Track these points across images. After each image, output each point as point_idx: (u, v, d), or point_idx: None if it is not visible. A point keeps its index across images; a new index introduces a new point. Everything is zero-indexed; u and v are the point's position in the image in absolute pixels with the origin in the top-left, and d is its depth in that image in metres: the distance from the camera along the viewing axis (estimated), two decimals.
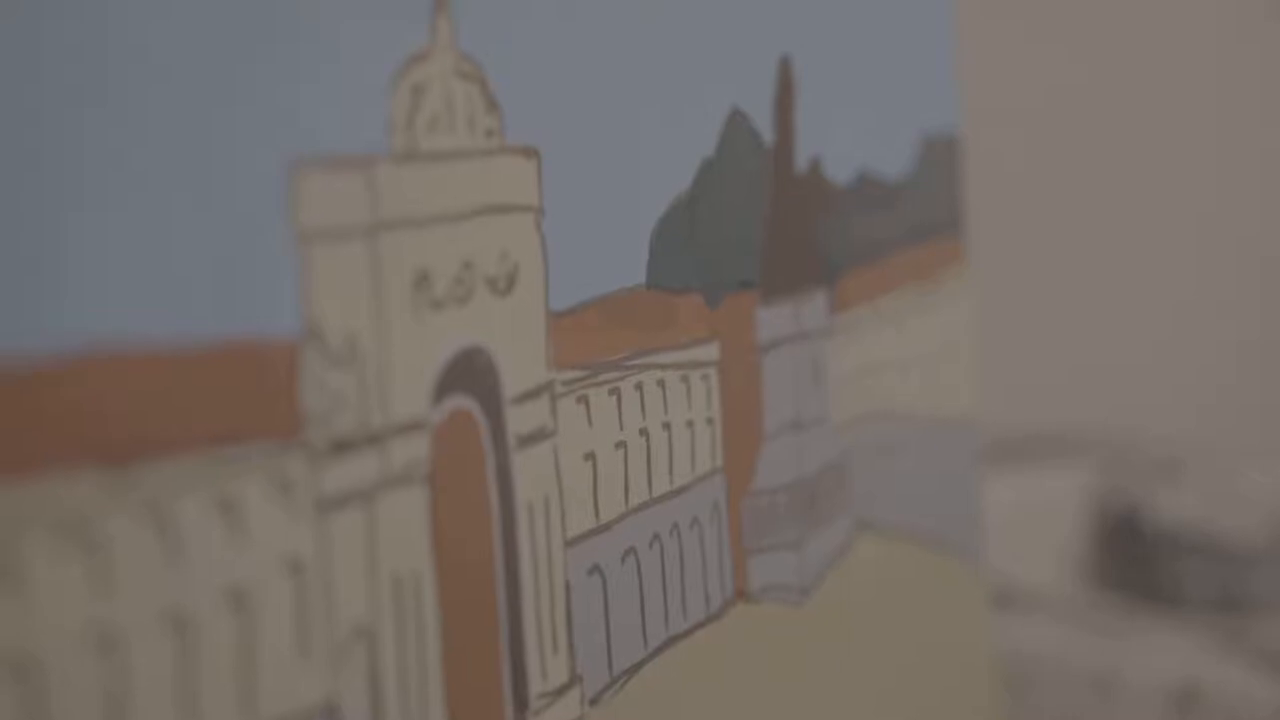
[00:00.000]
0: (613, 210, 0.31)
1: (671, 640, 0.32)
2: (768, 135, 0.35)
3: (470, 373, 0.27)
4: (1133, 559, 0.73)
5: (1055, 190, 0.96)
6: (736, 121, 0.34)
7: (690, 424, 0.33)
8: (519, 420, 0.28)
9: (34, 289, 0.20)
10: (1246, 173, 1.05)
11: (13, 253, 0.20)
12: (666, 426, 0.32)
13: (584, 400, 0.29)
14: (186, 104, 0.22)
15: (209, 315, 0.22)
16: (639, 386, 0.31)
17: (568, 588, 0.29)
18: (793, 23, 0.36)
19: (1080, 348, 0.96)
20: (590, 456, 0.30)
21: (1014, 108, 0.92)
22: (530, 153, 0.28)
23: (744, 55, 0.35)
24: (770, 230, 0.35)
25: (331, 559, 0.24)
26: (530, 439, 0.28)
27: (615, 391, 0.30)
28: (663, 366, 0.32)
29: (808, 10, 0.37)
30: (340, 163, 0.24)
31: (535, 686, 0.28)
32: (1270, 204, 1.06)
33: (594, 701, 0.30)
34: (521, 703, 0.28)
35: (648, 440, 0.31)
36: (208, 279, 0.22)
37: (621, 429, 0.31)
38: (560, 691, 0.29)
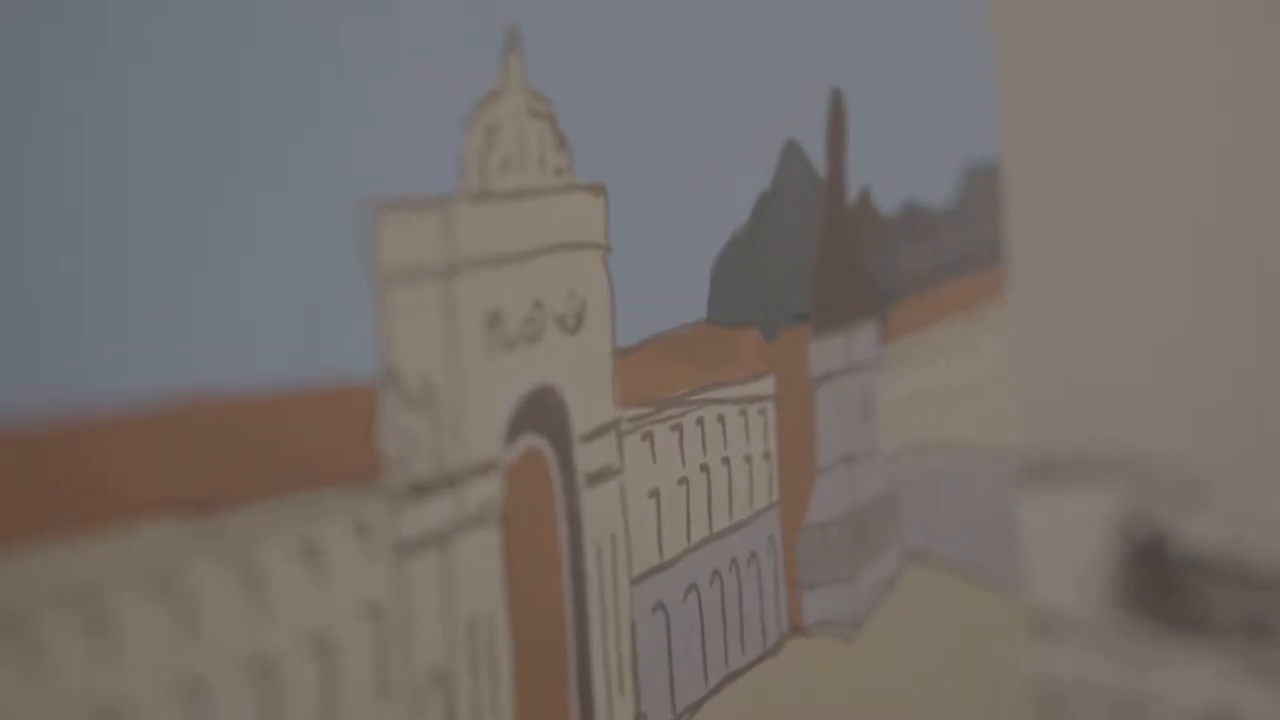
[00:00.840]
0: (673, 245, 0.30)
1: (731, 676, 0.32)
2: (819, 167, 0.35)
3: (540, 412, 0.27)
4: (1160, 583, 0.73)
5: (1079, 211, 0.96)
6: (791, 153, 0.34)
7: (748, 459, 0.32)
8: (587, 458, 0.28)
9: (117, 339, 0.20)
10: None
11: (95, 304, 0.20)
12: (726, 462, 0.32)
13: (648, 437, 0.29)
14: (265, 148, 0.22)
15: (289, 360, 0.22)
16: (700, 422, 0.31)
17: (633, 626, 0.29)
18: (839, 55, 0.36)
19: (1106, 370, 0.96)
20: (655, 494, 0.29)
21: (1044, 134, 0.92)
22: (598, 190, 0.28)
23: (795, 88, 0.34)
24: (823, 262, 0.35)
25: (409, 602, 0.24)
26: (598, 477, 0.28)
27: (678, 428, 0.30)
28: (722, 401, 0.32)
29: (853, 43, 0.37)
30: (417, 204, 0.24)
31: None
32: None
33: None
34: None
35: (708, 476, 0.31)
36: (287, 323, 0.22)
37: (684, 465, 0.30)
38: None
